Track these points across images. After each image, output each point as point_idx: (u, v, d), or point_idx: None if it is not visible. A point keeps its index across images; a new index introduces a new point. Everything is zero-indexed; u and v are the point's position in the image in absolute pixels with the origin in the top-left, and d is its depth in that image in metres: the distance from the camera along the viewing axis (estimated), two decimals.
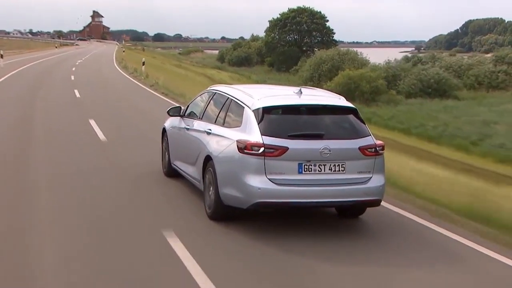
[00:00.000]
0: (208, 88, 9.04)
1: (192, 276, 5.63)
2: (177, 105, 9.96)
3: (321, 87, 31.23)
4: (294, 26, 73.01)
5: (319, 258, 6.27)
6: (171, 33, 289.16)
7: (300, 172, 6.78)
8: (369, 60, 45.77)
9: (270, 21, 74.15)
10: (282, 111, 7.19)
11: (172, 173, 9.40)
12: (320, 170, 6.82)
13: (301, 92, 7.49)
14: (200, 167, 7.81)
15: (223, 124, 7.65)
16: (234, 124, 7.41)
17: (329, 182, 6.84)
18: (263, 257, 6.28)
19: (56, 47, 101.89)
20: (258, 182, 6.73)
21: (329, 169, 6.84)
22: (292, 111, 7.21)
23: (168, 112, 9.42)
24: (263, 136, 6.80)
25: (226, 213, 7.29)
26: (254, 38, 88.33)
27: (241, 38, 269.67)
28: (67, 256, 6.09)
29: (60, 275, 5.63)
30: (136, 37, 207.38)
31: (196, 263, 5.94)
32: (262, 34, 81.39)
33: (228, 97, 7.86)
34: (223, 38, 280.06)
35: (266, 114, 7.01)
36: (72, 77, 32.96)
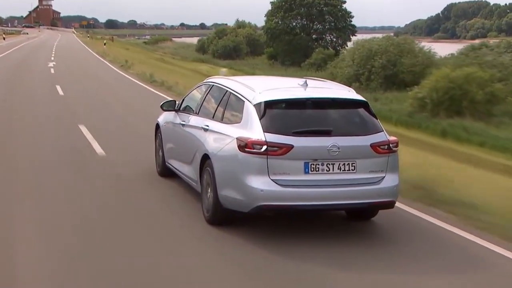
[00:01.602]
0: (205, 81, 8.56)
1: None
2: (171, 99, 9.46)
3: (385, 93, 26.52)
4: (303, 9, 60.29)
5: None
6: (124, 19, 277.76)
7: (306, 172, 6.32)
8: (436, 53, 33.41)
9: (272, 3, 61.84)
10: (286, 106, 6.71)
11: (167, 172, 8.93)
12: (328, 169, 6.37)
13: (307, 84, 7.02)
14: (197, 167, 7.35)
15: (221, 120, 7.18)
16: (233, 120, 6.94)
17: (338, 183, 6.39)
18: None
19: (4, 38, 78.17)
20: (260, 183, 6.27)
21: (338, 169, 6.39)
22: (297, 105, 6.73)
23: (161, 107, 8.93)
24: (265, 133, 6.34)
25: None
26: (240, 25, 77.21)
27: (202, 24, 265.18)
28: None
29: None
30: (87, 24, 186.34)
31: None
32: (226, 21, 75.64)
33: (227, 90, 7.39)
34: (182, 24, 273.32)
35: (268, 109, 6.54)
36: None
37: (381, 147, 6.54)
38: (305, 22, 61.60)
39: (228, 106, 7.23)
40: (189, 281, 5.43)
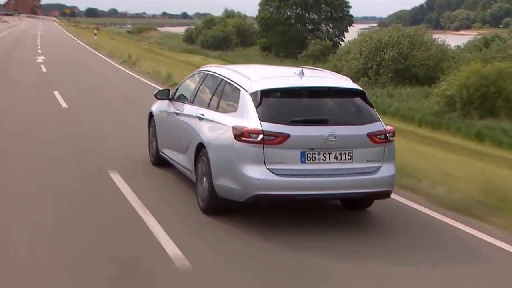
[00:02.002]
0: (199, 69, 8.51)
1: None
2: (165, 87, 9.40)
3: (396, 89, 24.19)
4: None
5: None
6: (104, 8, 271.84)
7: (302, 162, 6.31)
8: (449, 45, 31.46)
9: None
10: (282, 94, 6.68)
11: (160, 161, 8.89)
12: (324, 159, 6.36)
13: (303, 73, 6.99)
14: (191, 156, 7.31)
15: (217, 109, 7.15)
16: (229, 108, 6.91)
17: (334, 172, 6.38)
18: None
19: None
20: (256, 172, 6.25)
21: (334, 158, 6.38)
22: (293, 94, 6.70)
23: (155, 95, 8.88)
24: (261, 122, 6.31)
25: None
26: (229, 14, 73.83)
27: (184, 14, 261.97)
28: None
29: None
30: (70, 13, 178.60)
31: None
32: (208, 10, 74.11)
33: (222, 79, 7.34)
34: (164, 13, 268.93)
35: (264, 97, 6.51)
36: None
37: (378, 136, 6.53)
38: (301, 12, 59.17)
39: (223, 95, 7.19)
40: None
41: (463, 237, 6.58)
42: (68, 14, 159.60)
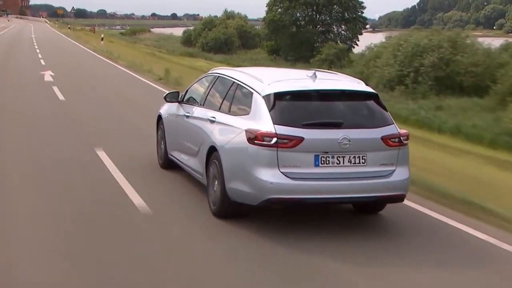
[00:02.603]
0: (210, 72, 8.50)
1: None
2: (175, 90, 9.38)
3: (439, 99, 19.83)
4: None
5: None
6: (93, 8, 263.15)
7: (316, 165, 6.30)
8: (491, 48, 27.66)
9: None
10: (295, 97, 6.67)
11: (169, 164, 8.88)
12: (338, 162, 6.34)
13: (316, 76, 6.98)
14: (202, 159, 7.30)
15: (228, 112, 7.13)
16: (241, 111, 6.89)
17: (348, 176, 6.36)
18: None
19: None
20: (270, 176, 6.24)
21: (348, 162, 6.37)
22: (307, 97, 6.70)
23: (165, 98, 8.87)
24: (275, 125, 6.29)
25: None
26: (229, 15, 69.88)
27: (174, 15, 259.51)
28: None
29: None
30: (54, 13, 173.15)
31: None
32: (198, 11, 69.54)
33: (234, 82, 7.33)
34: (153, 14, 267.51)
35: (278, 100, 6.50)
36: None
37: (392, 140, 6.52)
38: (311, 13, 54.87)
39: (235, 97, 7.17)
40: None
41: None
42: (61, 15, 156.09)
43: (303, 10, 54.98)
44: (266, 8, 56.26)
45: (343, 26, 55.12)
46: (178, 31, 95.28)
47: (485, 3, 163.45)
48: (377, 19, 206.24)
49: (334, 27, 55.33)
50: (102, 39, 48.09)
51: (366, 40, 41.81)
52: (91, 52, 39.86)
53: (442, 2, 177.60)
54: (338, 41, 52.30)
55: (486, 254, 6.24)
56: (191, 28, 75.06)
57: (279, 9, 54.43)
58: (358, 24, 54.75)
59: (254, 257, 5.89)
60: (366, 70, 27.84)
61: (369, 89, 7.00)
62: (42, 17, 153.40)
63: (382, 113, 6.73)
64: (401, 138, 6.58)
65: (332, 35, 54.57)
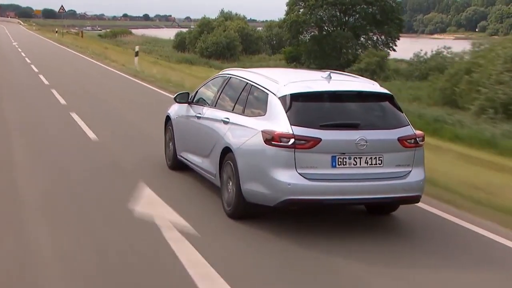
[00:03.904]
0: (221, 72, 8.56)
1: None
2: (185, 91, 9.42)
3: None
4: None
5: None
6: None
7: (333, 166, 6.38)
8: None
9: None
10: (312, 98, 6.74)
11: (178, 165, 8.94)
12: (355, 163, 6.43)
13: (330, 77, 7.06)
14: (216, 160, 7.36)
15: (243, 113, 7.20)
16: (256, 112, 6.97)
17: (365, 177, 6.45)
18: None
19: None
20: (287, 177, 6.31)
21: (365, 163, 6.45)
22: (323, 98, 6.77)
23: (175, 99, 8.93)
24: (292, 126, 6.37)
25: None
26: (227, 16, 65.01)
27: (146, 16, 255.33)
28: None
29: None
30: (22, 13, 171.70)
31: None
32: (170, 12, 62.07)
33: (248, 83, 7.40)
34: (125, 15, 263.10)
35: (294, 101, 6.58)
36: None
37: (408, 141, 6.61)
38: (339, 14, 47.78)
39: (249, 98, 7.24)
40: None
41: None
42: (38, 15, 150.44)
43: (329, 10, 47.57)
44: (265, 9, 52.79)
45: (377, 30, 48.26)
46: (161, 33, 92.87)
47: (466, 5, 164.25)
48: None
49: (369, 30, 47.74)
50: (136, 54, 29.40)
51: None
52: (116, 72, 27.68)
53: (421, 3, 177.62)
54: (369, 47, 46.87)
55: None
56: (184, 30, 70.61)
57: (302, 9, 47.65)
58: (394, 26, 47.62)
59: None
60: (452, 86, 21.00)
61: (384, 90, 7.09)
62: (10, 17, 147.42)
63: (398, 114, 6.82)
64: (417, 139, 6.68)
65: (364, 39, 47.97)
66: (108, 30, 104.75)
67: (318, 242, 6.34)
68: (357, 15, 48.25)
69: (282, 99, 6.63)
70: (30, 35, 73.77)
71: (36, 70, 26.06)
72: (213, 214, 7.12)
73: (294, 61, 47.38)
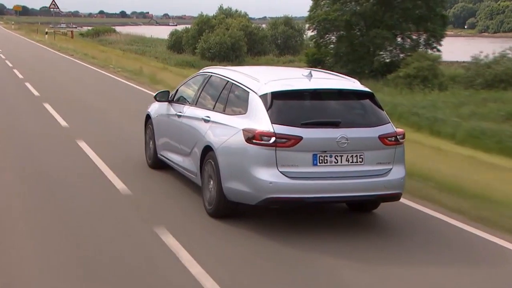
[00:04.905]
0: (201, 71, 8.58)
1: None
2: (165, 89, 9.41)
3: None
4: None
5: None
6: (36, 5, 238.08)
7: (314, 164, 6.44)
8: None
9: None
10: (293, 96, 6.80)
11: (158, 164, 8.94)
12: (336, 161, 6.49)
13: (311, 75, 7.11)
14: (197, 159, 7.39)
15: (223, 111, 7.23)
16: (237, 111, 7.01)
17: (346, 175, 6.52)
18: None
19: None
20: (269, 175, 6.36)
21: (346, 161, 6.52)
22: (304, 96, 6.83)
23: (155, 97, 8.94)
24: (273, 125, 6.42)
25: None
26: (228, 13, 58.62)
27: (123, 12, 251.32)
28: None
29: None
30: (21, 10, 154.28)
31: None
32: (147, 9, 53.17)
33: (228, 81, 7.43)
34: (101, 12, 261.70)
35: (275, 100, 6.63)
36: None
37: (389, 138, 6.69)
38: (381, 8, 39.66)
39: (230, 97, 7.27)
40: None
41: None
42: (19, 12, 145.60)
43: (366, 5, 40.14)
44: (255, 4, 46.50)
45: (419, 28, 40.56)
46: (143, 31, 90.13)
47: (453, 1, 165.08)
48: None
49: (399, 29, 40.25)
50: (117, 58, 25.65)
51: None
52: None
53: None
54: (407, 48, 40.20)
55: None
56: (179, 29, 62.60)
57: (328, 5, 40.97)
58: (437, 23, 40.28)
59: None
60: None
61: (365, 88, 7.15)
62: None
63: (379, 112, 6.89)
64: (398, 137, 6.76)
65: (410, 40, 40.47)
66: (90, 28, 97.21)
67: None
68: (399, 10, 39.82)
69: (263, 97, 6.67)
70: (12, 37, 63.28)
71: (63, 123, 13.00)
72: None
73: (318, 64, 38.70)
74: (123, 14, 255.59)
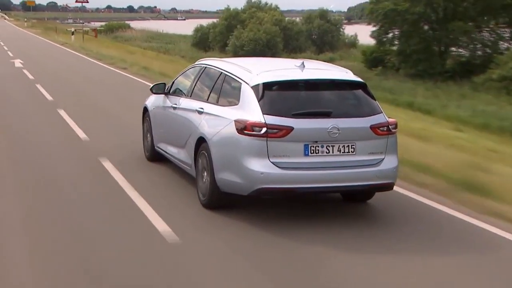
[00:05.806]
0: (196, 63, 8.65)
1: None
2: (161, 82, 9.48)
3: None
4: None
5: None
6: (43, 1, 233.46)
7: (306, 155, 6.50)
8: None
9: None
10: (284, 87, 6.87)
11: (156, 156, 9.04)
12: (328, 151, 6.55)
13: (304, 66, 7.16)
14: (191, 150, 7.47)
15: (217, 102, 7.31)
16: (230, 102, 7.08)
17: (338, 165, 6.58)
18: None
19: None
20: (260, 166, 6.43)
21: (337, 151, 6.57)
22: (296, 87, 6.90)
23: (151, 89, 9.04)
24: (264, 115, 6.49)
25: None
26: (257, 6, 53.79)
27: (130, 7, 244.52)
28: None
29: None
30: (0, 5, 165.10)
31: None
32: (155, 3, 46.69)
33: (222, 72, 7.51)
34: (108, 7, 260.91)
35: (267, 90, 6.69)
36: None
37: (381, 128, 6.74)
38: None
39: (223, 88, 7.35)
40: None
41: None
42: (31, 8, 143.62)
43: None
44: None
45: (499, 19, 34.93)
46: (157, 26, 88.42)
47: None
48: (346, 10, 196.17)
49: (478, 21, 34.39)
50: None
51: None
52: None
53: None
54: (488, 43, 34.54)
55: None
56: (204, 25, 57.74)
57: None
58: None
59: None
60: None
61: (357, 78, 7.20)
62: None
63: (371, 102, 6.94)
64: (390, 126, 6.81)
65: (493, 35, 34.56)
66: (103, 24, 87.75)
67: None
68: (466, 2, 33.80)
69: (255, 88, 6.73)
70: (29, 38, 54.70)
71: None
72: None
73: (378, 64, 35.03)
74: (130, 8, 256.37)
